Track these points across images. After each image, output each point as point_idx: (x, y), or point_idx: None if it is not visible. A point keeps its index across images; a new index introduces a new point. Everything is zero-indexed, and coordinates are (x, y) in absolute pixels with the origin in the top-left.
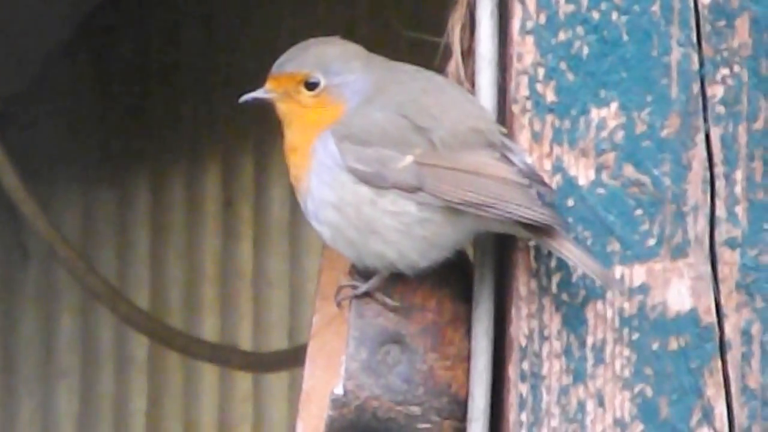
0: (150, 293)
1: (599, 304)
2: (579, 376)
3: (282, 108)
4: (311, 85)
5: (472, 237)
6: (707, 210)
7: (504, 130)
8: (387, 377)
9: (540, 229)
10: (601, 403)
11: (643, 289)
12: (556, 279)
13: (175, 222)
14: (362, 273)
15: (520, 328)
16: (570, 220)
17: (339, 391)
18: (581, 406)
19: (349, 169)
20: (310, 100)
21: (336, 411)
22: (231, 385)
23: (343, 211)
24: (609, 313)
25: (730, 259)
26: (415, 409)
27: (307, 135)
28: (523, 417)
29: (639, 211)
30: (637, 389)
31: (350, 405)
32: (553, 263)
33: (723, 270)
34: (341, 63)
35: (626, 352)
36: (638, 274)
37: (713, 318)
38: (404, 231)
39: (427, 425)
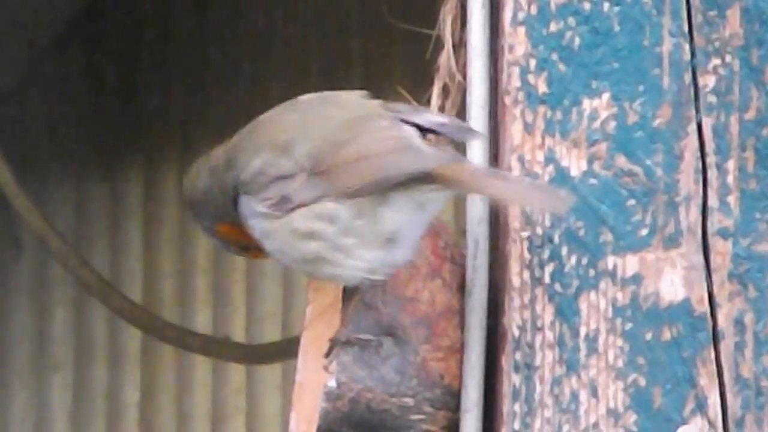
0: (143, 286)
1: (592, 295)
2: (572, 366)
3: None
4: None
5: (412, 217)
6: (699, 200)
7: (401, 106)
8: (380, 369)
9: (456, 178)
10: (594, 393)
11: (636, 279)
12: (548, 269)
13: (167, 215)
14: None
15: (512, 318)
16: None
17: (332, 383)
18: (574, 396)
19: (262, 215)
20: (222, 229)
21: (330, 403)
22: (224, 377)
23: (288, 254)
24: (602, 304)
25: (722, 249)
26: (409, 401)
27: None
28: (517, 408)
29: (631, 202)
30: (630, 379)
31: (344, 397)
32: (545, 254)
33: (716, 260)
34: (196, 194)
35: (619, 342)
36: (631, 264)
37: (706, 308)
38: (334, 245)
39: (421, 416)
